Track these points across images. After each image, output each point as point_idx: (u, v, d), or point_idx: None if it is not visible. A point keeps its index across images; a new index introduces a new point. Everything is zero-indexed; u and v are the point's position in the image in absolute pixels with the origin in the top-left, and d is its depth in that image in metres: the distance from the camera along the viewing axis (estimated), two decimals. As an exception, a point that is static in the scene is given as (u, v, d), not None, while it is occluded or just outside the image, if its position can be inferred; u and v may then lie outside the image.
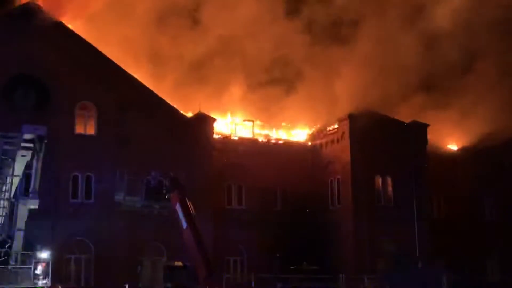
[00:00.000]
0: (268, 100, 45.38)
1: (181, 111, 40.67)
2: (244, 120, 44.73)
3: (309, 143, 45.33)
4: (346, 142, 42.11)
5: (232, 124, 44.20)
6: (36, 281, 24.93)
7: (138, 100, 38.90)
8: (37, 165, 25.31)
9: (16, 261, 24.99)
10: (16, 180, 25.51)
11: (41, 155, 25.20)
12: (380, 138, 42.12)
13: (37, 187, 25.41)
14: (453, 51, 45.16)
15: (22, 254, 25.13)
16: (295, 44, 46.84)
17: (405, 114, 43.47)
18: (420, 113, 43.94)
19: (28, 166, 25.78)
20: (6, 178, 25.21)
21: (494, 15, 44.95)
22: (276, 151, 43.11)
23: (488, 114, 45.04)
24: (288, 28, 46.20)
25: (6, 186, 25.40)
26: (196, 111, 40.52)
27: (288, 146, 44.31)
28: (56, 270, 29.26)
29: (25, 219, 25.32)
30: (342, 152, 42.31)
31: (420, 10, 45.10)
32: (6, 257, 24.94)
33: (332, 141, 43.48)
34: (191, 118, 40.43)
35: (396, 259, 39.38)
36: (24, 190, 27.11)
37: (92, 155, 36.94)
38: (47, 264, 25.68)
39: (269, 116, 45.92)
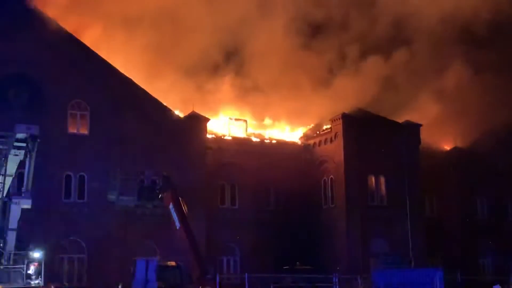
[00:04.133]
0: (261, 100, 45.45)
1: (175, 111, 40.62)
2: (237, 120, 44.69)
3: (303, 143, 45.35)
4: (339, 141, 42.14)
5: (225, 123, 44.17)
6: (28, 281, 24.88)
7: (131, 100, 38.80)
8: (30, 165, 25.29)
9: (8, 260, 24.93)
10: (8, 180, 25.46)
11: (34, 154, 25.18)
12: (373, 138, 42.20)
13: (29, 186, 25.38)
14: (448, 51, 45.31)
15: (14, 254, 25.08)
16: (287, 44, 46.89)
17: (398, 114, 43.62)
18: (413, 113, 44.09)
19: (21, 166, 25.75)
20: (-1, 177, 25.15)
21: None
22: (269, 151, 43.12)
23: (481, 114, 45.23)
24: (282, 30, 46.25)
25: (-2, 185, 25.34)
26: (189, 111, 40.47)
27: (282, 146, 44.31)
28: (49, 270, 29.14)
29: (18, 218, 25.27)
30: (335, 151, 42.35)
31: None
32: (-2, 257, 24.88)
33: (326, 141, 43.52)
34: (185, 117, 40.38)
35: (389, 258, 39.42)
36: (16, 190, 27.06)
37: (85, 155, 36.83)
38: (40, 264, 25.63)
39: (262, 116, 45.96)
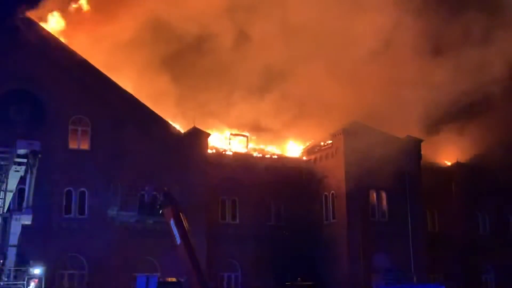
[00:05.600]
0: (262, 115, 45.43)
1: (176, 126, 40.67)
2: (238, 135, 44.69)
3: (304, 158, 45.33)
4: (341, 157, 42.10)
5: (226, 138, 44.18)
6: (29, 297, 24.80)
7: (132, 115, 38.88)
8: (30, 180, 25.26)
9: (8, 277, 24.85)
10: (9, 195, 25.43)
11: (35, 170, 25.16)
12: (374, 153, 42.06)
13: (30, 202, 25.33)
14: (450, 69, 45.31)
15: (15, 270, 25.00)
16: (290, 57, 46.93)
17: (399, 129, 43.53)
18: (414, 128, 44.04)
19: (22, 181, 25.73)
20: (-1, 193, 25.14)
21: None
22: (270, 166, 43.04)
23: (483, 129, 45.18)
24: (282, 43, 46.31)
25: (-1, 201, 25.32)
26: (190, 126, 40.51)
27: (282, 161, 44.25)
28: (49, 286, 29.07)
29: (18, 234, 25.22)
30: (336, 167, 42.27)
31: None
32: (-2, 273, 24.81)
33: (327, 156, 43.47)
34: (186, 133, 40.41)
35: (390, 274, 39.24)
36: (17, 206, 27.03)
37: (86, 170, 36.82)
38: (40, 280, 25.55)
39: (263, 131, 45.92)
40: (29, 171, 25.16)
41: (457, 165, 47.86)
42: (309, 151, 45.43)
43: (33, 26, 37.65)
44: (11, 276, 24.95)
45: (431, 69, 45.80)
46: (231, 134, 44.38)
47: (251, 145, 44.96)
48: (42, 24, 39.16)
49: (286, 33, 45.28)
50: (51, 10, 40.64)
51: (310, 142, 46.00)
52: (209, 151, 41.05)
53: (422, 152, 44.13)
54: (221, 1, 44.55)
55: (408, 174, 43.07)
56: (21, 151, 24.94)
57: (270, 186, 42.01)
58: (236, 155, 42.96)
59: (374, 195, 42.86)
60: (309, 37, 45.25)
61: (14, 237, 25.07)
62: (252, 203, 42.03)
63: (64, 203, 36.75)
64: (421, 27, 45.04)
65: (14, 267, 25.05)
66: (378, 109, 43.03)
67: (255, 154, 44.11)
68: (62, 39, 39.34)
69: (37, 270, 25.74)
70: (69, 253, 35.99)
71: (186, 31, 44.32)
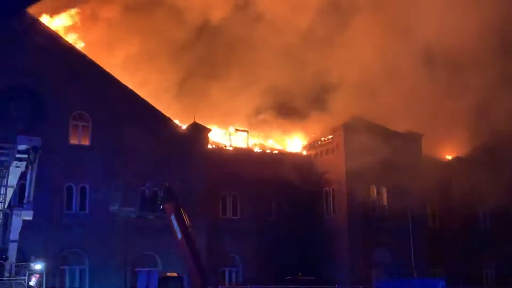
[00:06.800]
0: (263, 110, 45.47)
1: (176, 121, 40.68)
2: (239, 130, 44.71)
3: (304, 153, 45.36)
4: (341, 152, 42.14)
5: (227, 134, 44.21)
6: (30, 292, 24.85)
7: (133, 111, 38.86)
8: (31, 176, 25.32)
9: (10, 272, 24.91)
10: (10, 191, 25.47)
11: (36, 166, 25.22)
12: (375, 148, 42.07)
13: (31, 198, 25.39)
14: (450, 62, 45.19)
15: (16, 266, 25.07)
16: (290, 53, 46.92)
17: (400, 124, 43.53)
18: (415, 122, 44.02)
19: (23, 177, 25.79)
20: (0, 188, 25.18)
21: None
22: (271, 161, 43.09)
23: (483, 124, 45.16)
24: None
25: (0, 197, 25.37)
26: (190, 121, 40.53)
27: (283, 156, 44.29)
28: (51, 281, 29.13)
29: (19, 230, 25.29)
30: (337, 162, 42.32)
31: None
32: (0, 268, 24.86)
33: (327, 151, 43.52)
34: (186, 128, 40.44)
35: (391, 269, 39.33)
36: (18, 201, 27.08)
37: (86, 166, 36.88)
38: (41, 275, 25.60)
39: (264, 126, 45.96)
40: (29, 167, 25.22)
41: (458, 160, 47.89)
42: (309, 146, 45.47)
43: (33, 21, 37.66)
44: (13, 271, 25.01)
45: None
46: (232, 129, 44.41)
47: (252, 141, 44.99)
48: (43, 20, 39.16)
49: (285, 29, 45.27)
50: (52, 6, 40.69)
51: (311, 137, 46.03)
52: (210, 146, 41.07)
53: (422, 147, 44.14)
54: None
55: (409, 169, 43.03)
56: (22, 147, 25.00)
57: (271, 182, 42.03)
58: (237, 151, 42.99)
59: (375, 190, 42.93)
60: (309, 31, 45.22)
61: (15, 233, 25.14)
62: (252, 198, 42.10)
63: (65, 199, 36.78)
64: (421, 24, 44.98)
65: (15, 262, 25.12)
66: (379, 104, 43.02)
67: (255, 149, 44.15)
68: (62, 35, 39.32)
69: (38, 266, 25.78)
70: (70, 249, 36.05)
71: (186, 26, 44.30)
